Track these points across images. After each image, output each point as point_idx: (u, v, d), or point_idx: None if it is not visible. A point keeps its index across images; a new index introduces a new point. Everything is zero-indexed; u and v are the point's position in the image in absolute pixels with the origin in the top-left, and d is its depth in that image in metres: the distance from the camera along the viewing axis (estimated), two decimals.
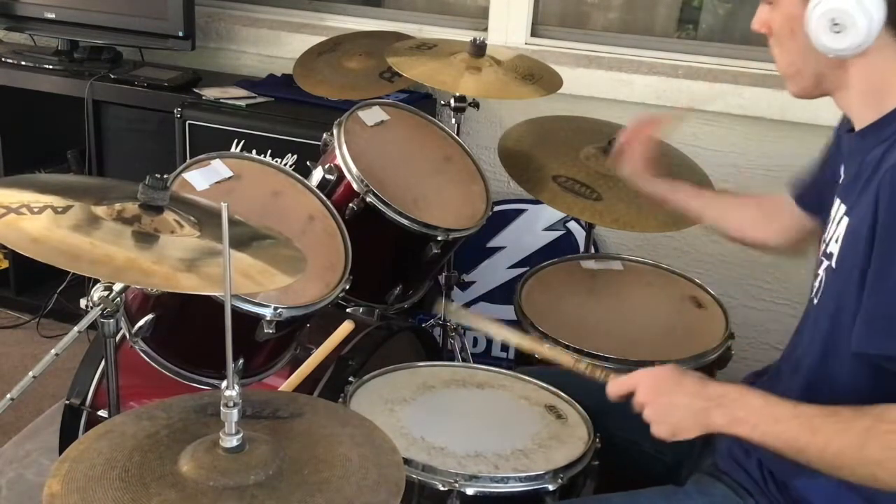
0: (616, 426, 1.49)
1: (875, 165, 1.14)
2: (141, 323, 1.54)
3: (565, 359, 1.45)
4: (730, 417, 1.19)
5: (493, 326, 1.50)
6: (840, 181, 1.27)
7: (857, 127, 1.22)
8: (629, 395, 1.29)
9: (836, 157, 1.34)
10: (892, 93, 1.17)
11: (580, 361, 1.42)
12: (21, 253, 1.12)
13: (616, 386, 1.32)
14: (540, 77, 2.13)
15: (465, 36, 2.18)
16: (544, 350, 1.53)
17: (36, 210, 1.21)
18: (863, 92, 1.19)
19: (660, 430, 1.25)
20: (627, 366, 1.53)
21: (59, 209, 1.22)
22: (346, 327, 1.50)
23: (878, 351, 1.11)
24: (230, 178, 1.69)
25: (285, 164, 2.24)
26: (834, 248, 1.19)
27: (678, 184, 1.75)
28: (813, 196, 1.45)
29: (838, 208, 1.23)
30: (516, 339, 1.54)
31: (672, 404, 1.24)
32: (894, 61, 1.16)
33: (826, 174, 1.39)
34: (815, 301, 1.26)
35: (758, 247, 1.67)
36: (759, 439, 1.17)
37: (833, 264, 1.19)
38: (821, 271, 1.25)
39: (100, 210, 1.25)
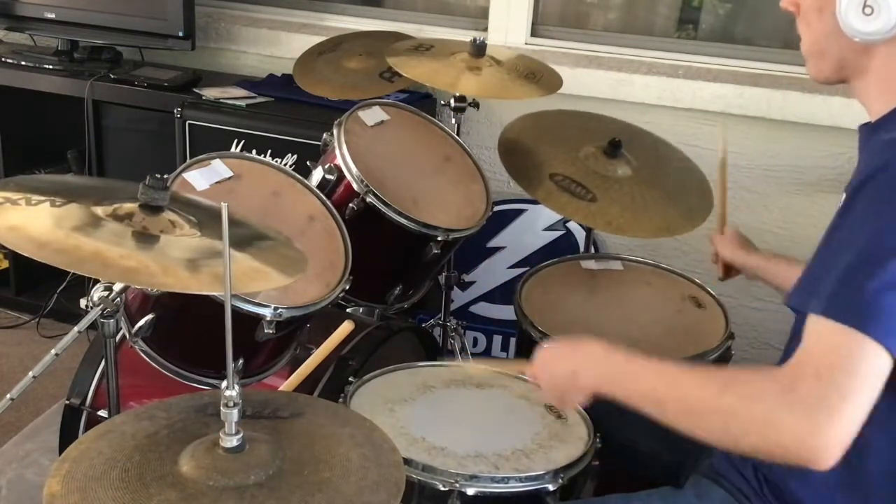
0: (615, 426, 1.49)
1: (877, 156, 1.13)
2: (141, 323, 1.53)
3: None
4: (594, 375, 1.22)
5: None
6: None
7: (872, 119, 1.21)
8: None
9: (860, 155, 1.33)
10: None
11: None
12: (22, 254, 1.12)
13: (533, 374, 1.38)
14: (540, 76, 2.13)
15: (465, 36, 2.18)
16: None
17: (34, 202, 1.21)
18: (883, 79, 1.17)
19: (553, 400, 1.37)
20: None
21: (58, 203, 1.22)
22: (346, 327, 1.50)
23: (792, 304, 1.13)
24: (230, 178, 1.69)
25: (285, 164, 2.24)
26: None
27: (768, 257, 1.78)
28: None
29: (840, 201, 1.22)
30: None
31: (553, 374, 1.30)
32: None
33: None
34: None
35: None
36: (621, 395, 1.18)
37: None
38: None
39: (100, 210, 1.25)
